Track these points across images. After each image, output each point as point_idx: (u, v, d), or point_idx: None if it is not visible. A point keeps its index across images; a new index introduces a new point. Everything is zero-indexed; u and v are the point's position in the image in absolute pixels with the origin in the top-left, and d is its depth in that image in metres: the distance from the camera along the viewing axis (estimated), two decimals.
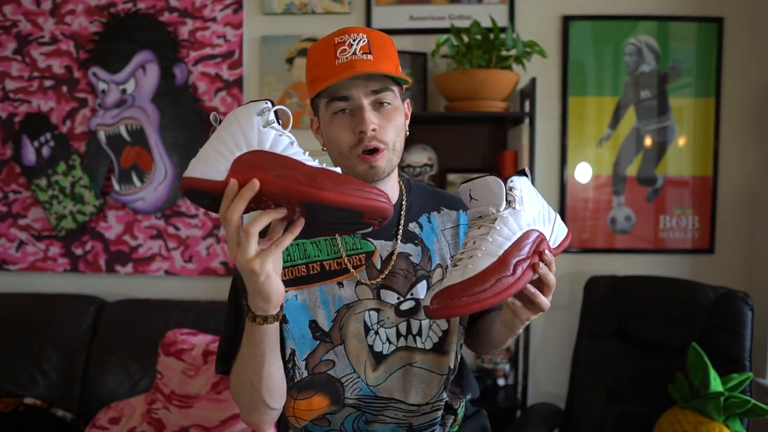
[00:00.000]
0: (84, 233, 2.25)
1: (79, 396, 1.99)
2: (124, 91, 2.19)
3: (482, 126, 2.11)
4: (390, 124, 0.94)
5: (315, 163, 0.75)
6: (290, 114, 0.80)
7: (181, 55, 2.18)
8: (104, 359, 1.99)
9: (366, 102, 0.92)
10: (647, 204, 2.13)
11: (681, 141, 2.11)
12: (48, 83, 2.23)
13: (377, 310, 1.00)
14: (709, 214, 2.11)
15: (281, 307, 0.84)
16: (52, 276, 2.29)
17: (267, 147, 0.75)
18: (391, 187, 1.02)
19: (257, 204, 0.75)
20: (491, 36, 1.87)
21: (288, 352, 0.99)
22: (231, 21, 2.17)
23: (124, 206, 2.23)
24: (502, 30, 1.94)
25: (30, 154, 2.24)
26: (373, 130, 0.91)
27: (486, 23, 2.01)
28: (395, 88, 0.95)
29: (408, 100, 1.02)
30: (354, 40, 0.91)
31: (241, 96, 2.17)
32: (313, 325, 0.99)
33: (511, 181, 0.86)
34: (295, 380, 0.99)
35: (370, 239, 1.01)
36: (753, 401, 1.49)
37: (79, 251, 2.26)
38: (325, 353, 0.99)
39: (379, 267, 1.01)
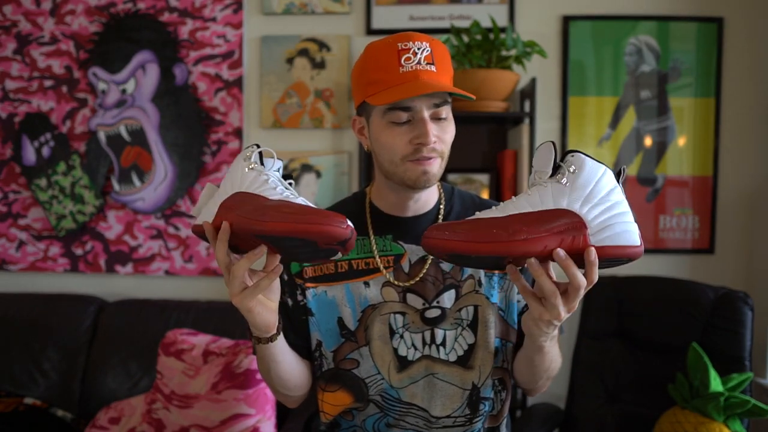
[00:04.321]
0: (84, 233, 2.25)
1: (79, 396, 2.00)
2: (124, 91, 2.19)
3: (482, 126, 2.11)
4: (446, 136, 0.95)
5: (280, 196, 0.79)
6: (273, 152, 0.85)
7: (181, 55, 2.18)
8: (104, 359, 1.99)
9: (427, 114, 0.92)
10: (647, 204, 2.13)
11: (681, 141, 2.11)
12: (48, 83, 2.23)
13: (403, 314, 1.00)
14: (709, 214, 2.11)
15: (278, 329, 0.91)
16: (52, 276, 2.29)
17: (245, 187, 0.82)
18: (428, 194, 1.04)
19: (246, 244, 0.81)
20: (491, 36, 1.87)
21: (314, 342, 1.04)
22: (231, 21, 2.17)
23: (124, 206, 2.23)
24: (502, 30, 1.94)
25: (30, 154, 2.24)
26: (434, 142, 0.92)
27: (486, 23, 2.01)
28: (450, 100, 0.96)
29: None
30: (419, 49, 0.92)
31: (241, 96, 2.17)
32: (340, 323, 1.02)
33: (572, 155, 0.77)
34: (323, 369, 1.04)
35: (400, 242, 1.02)
36: (753, 401, 1.48)
37: (79, 251, 2.26)
38: (350, 352, 1.02)
39: (406, 271, 1.02)
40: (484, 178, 2.04)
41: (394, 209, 1.04)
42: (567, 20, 2.10)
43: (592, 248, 0.73)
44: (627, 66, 2.11)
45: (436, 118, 0.93)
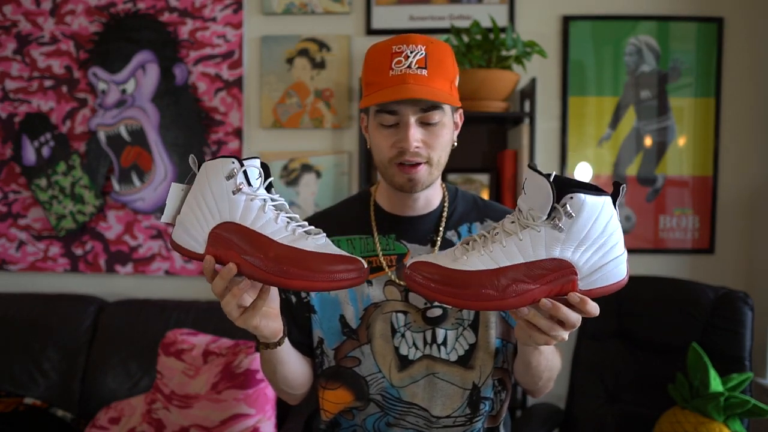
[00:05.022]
0: (84, 233, 2.25)
1: (79, 396, 2.00)
2: (124, 91, 2.20)
3: (482, 126, 2.12)
4: (436, 141, 0.94)
5: (286, 234, 0.76)
6: (261, 170, 0.79)
7: (181, 55, 2.18)
8: (104, 359, 1.99)
9: (413, 119, 0.92)
10: (647, 204, 2.13)
11: (681, 141, 2.11)
12: (48, 83, 2.23)
13: (405, 313, 1.01)
14: (709, 214, 2.11)
15: (284, 331, 0.90)
16: (52, 276, 2.29)
17: (238, 218, 0.76)
18: (430, 195, 1.04)
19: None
20: (491, 36, 1.87)
21: (315, 340, 1.05)
22: (231, 21, 2.17)
23: (124, 206, 2.23)
24: (502, 30, 1.94)
25: (30, 154, 2.24)
26: (417, 147, 0.92)
27: (486, 23, 2.01)
28: (446, 105, 0.94)
29: (461, 111, 1.01)
30: (411, 52, 0.91)
31: (241, 96, 2.17)
32: (342, 320, 1.02)
33: (570, 197, 0.70)
34: (323, 367, 1.05)
35: (403, 242, 1.03)
36: (753, 401, 1.48)
37: (79, 251, 2.26)
38: (352, 350, 1.02)
39: None
40: (484, 178, 2.04)
41: (396, 209, 1.04)
42: (567, 20, 2.10)
43: (575, 294, 0.72)
44: (627, 66, 2.11)
45: (426, 123, 0.93)
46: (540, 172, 0.72)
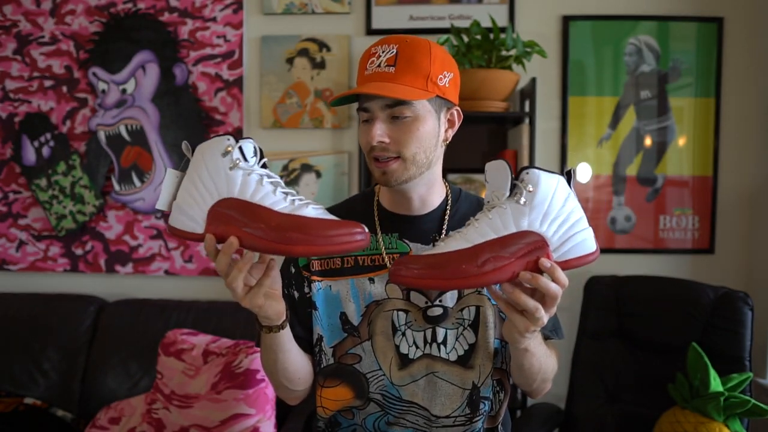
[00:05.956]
0: (84, 233, 2.25)
1: (79, 396, 2.00)
2: (124, 91, 2.20)
3: (482, 126, 2.12)
4: (406, 137, 0.93)
5: (285, 204, 0.77)
6: (257, 147, 0.80)
7: (181, 55, 2.18)
8: (104, 359, 1.99)
9: (382, 115, 0.94)
10: (647, 204, 2.13)
11: (681, 141, 2.11)
12: (48, 83, 2.23)
13: (406, 311, 1.01)
14: (709, 214, 2.11)
15: (286, 315, 0.91)
16: (52, 276, 2.29)
17: (236, 192, 0.77)
18: (426, 194, 1.03)
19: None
20: (491, 36, 1.87)
21: (315, 337, 1.05)
22: (231, 21, 2.17)
23: (124, 206, 2.23)
24: (502, 30, 1.94)
25: (30, 154, 2.24)
26: (382, 142, 0.93)
27: (486, 23, 2.01)
28: (417, 102, 0.93)
29: (455, 110, 1.01)
30: (384, 51, 0.94)
31: (241, 96, 2.17)
32: (343, 317, 1.03)
33: (527, 173, 0.77)
34: (321, 365, 1.05)
35: (406, 240, 1.03)
36: (753, 401, 1.48)
37: (79, 251, 2.26)
38: (353, 347, 1.02)
39: None
40: (483, 178, 2.04)
41: (397, 208, 1.05)
42: (567, 20, 2.10)
43: (543, 258, 0.76)
44: (627, 66, 2.11)
45: (396, 118, 0.93)
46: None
